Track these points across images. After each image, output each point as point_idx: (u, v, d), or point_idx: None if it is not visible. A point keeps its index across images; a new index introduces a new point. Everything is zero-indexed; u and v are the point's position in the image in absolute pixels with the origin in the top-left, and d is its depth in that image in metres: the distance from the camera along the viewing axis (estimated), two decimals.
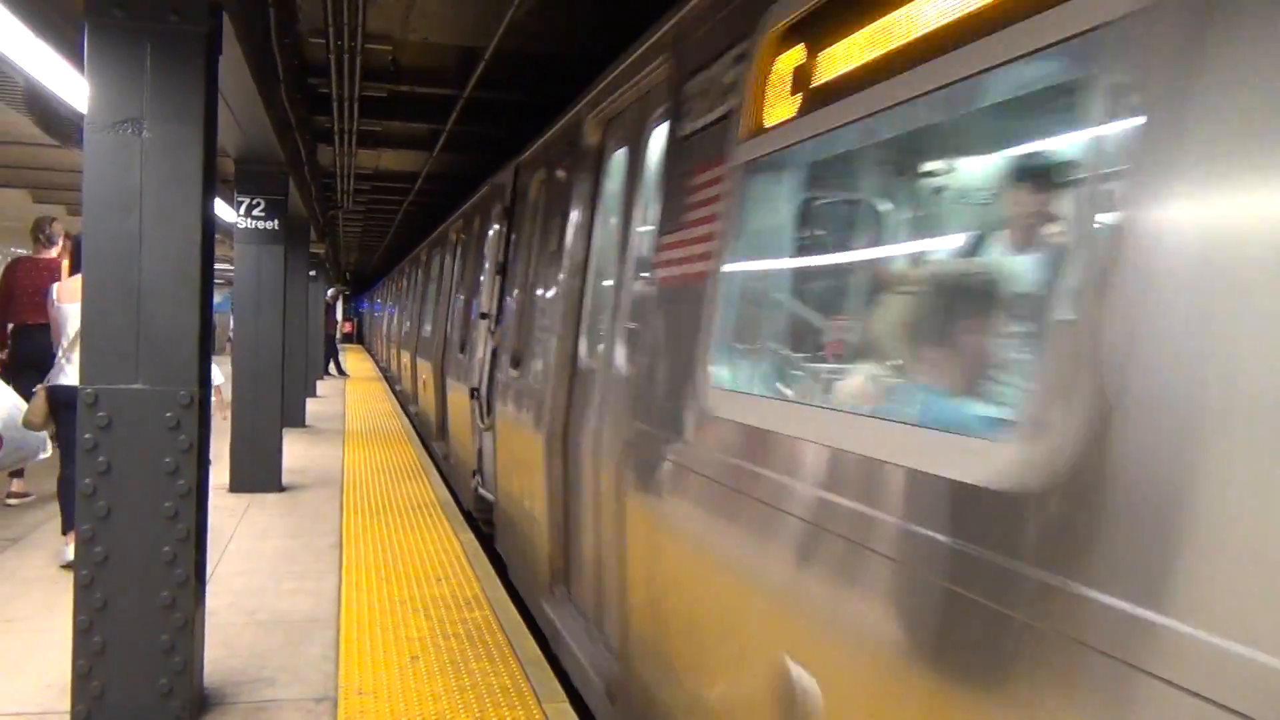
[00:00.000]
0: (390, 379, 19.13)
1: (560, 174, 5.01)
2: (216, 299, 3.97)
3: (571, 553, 4.36)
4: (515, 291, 5.79)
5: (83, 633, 3.28)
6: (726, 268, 2.64)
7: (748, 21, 2.62)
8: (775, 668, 2.10)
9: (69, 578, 3.33)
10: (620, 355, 3.58)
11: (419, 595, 5.04)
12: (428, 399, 10.38)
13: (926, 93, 1.84)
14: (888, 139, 2.32)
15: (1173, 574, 1.20)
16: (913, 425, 1.84)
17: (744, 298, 2.71)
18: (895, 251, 2.67)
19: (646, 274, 3.33)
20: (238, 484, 7.62)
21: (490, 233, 7.18)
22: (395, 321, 18.61)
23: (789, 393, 2.61)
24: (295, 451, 9.23)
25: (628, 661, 3.30)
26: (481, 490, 6.61)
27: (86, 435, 3.27)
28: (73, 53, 4.43)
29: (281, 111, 6.65)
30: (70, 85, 4.85)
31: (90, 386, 3.28)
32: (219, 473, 7.18)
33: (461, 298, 8.39)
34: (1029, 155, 2.20)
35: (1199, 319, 1.22)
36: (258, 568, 5.51)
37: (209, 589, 4.05)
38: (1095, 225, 1.41)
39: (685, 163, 3.00)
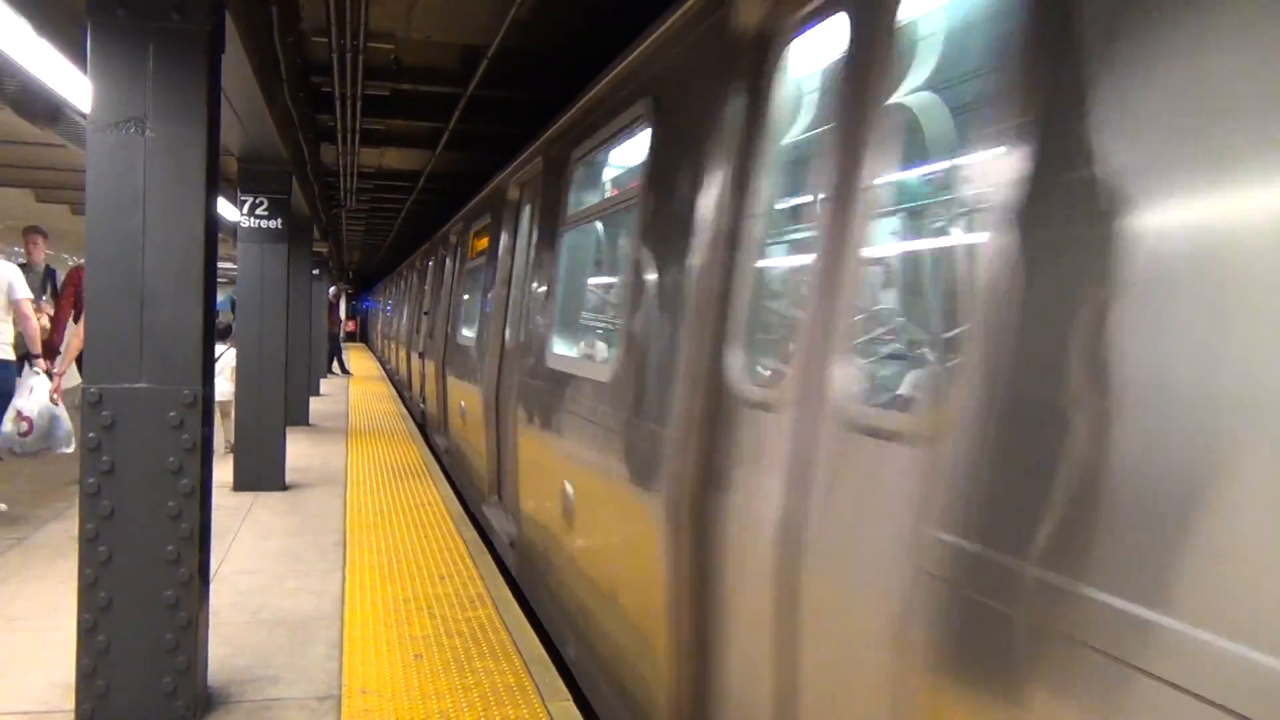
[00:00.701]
0: (383, 362, 25.68)
1: (443, 249, 11.12)
2: (218, 298, 3.96)
3: (439, 407, 9.50)
4: (432, 299, 11.69)
5: (87, 632, 3.28)
6: (453, 303, 9.41)
7: (471, 223, 8.79)
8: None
9: (73, 577, 3.33)
10: (452, 329, 8.83)
11: (422, 593, 5.04)
12: (403, 368, 16.34)
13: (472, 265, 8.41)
14: (480, 274, 7.61)
15: None
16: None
17: (462, 310, 8.73)
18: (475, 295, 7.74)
19: (451, 299, 9.42)
20: (241, 482, 7.63)
21: (427, 265, 13.37)
22: (385, 318, 26.83)
23: (467, 332, 7.91)
24: (298, 450, 9.24)
25: (444, 428, 9.06)
26: (421, 406, 12.17)
27: (90, 435, 3.27)
28: (75, 52, 4.43)
29: (284, 110, 6.65)
30: (71, 84, 4.85)
31: (94, 386, 3.28)
32: (222, 471, 7.19)
33: (419, 302, 14.17)
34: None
35: None
36: (261, 566, 5.52)
37: (212, 588, 4.05)
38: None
39: (463, 263, 8.89)
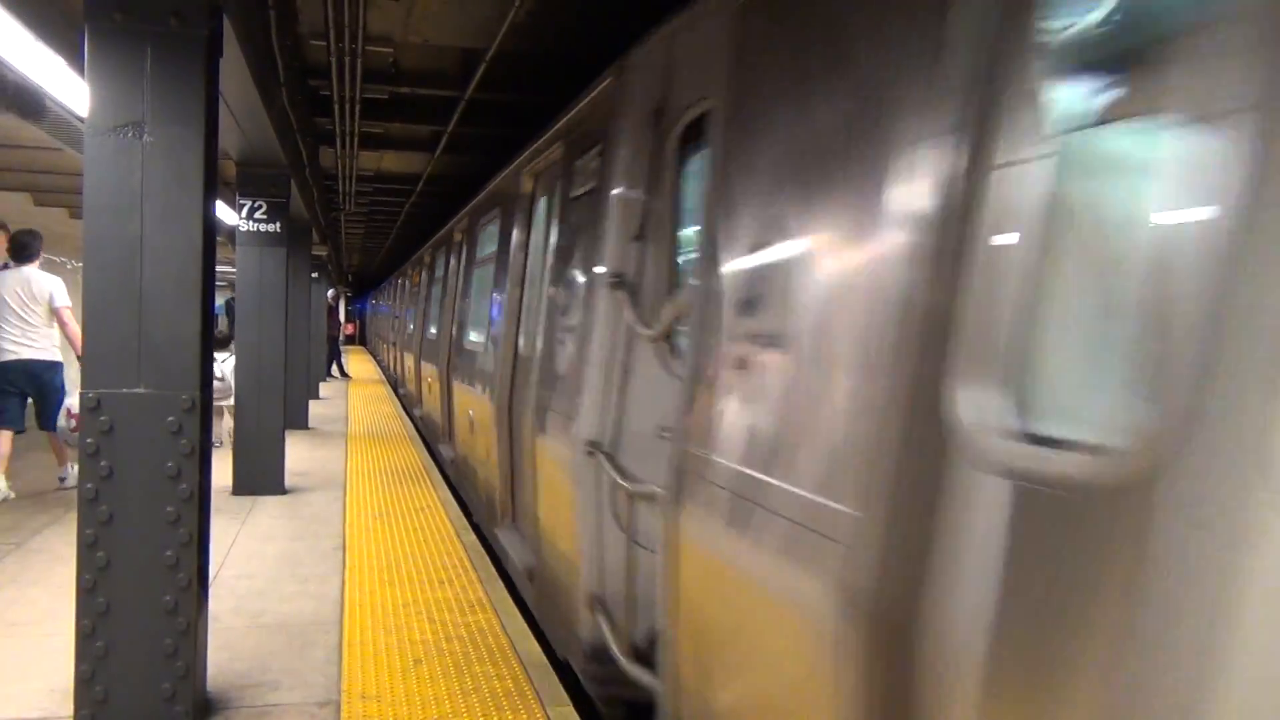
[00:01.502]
0: (379, 359, 28.68)
1: (405, 277, 18.31)
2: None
3: (406, 378, 14.25)
4: (404, 308, 16.81)
5: (85, 637, 3.27)
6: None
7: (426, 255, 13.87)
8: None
9: (72, 582, 3.32)
10: (413, 329, 13.67)
11: (422, 598, 5.03)
12: (389, 358, 20.85)
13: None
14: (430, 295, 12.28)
15: None
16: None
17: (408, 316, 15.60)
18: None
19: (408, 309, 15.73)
20: (240, 486, 7.62)
21: (399, 283, 18.71)
22: (378, 320, 32.28)
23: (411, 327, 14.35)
24: (298, 454, 9.23)
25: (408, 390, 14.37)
26: (396, 378, 17.05)
27: (88, 440, 3.26)
28: (73, 55, 4.43)
29: (283, 114, 6.64)
30: (70, 88, 4.85)
31: (92, 390, 3.27)
32: (221, 475, 7.18)
33: (399, 310, 18.59)
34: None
35: None
36: (260, 571, 5.51)
37: (212, 593, 4.04)
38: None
39: (408, 285, 17.05)
